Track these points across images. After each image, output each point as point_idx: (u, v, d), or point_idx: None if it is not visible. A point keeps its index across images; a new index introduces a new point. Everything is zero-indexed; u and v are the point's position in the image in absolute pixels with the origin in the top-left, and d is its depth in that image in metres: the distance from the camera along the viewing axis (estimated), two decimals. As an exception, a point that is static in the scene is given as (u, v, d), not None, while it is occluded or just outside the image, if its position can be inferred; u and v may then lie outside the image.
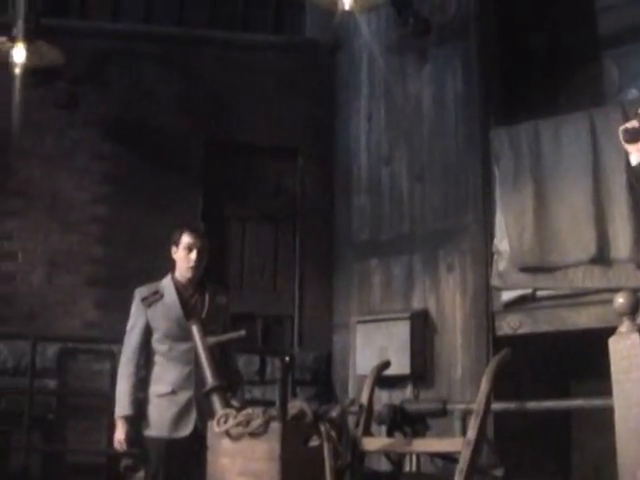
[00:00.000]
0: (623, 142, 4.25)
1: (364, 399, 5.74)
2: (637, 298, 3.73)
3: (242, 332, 5.42)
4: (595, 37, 8.75)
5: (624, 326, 3.68)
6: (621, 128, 4.23)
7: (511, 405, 6.44)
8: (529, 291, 7.23)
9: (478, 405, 5.42)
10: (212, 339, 5.22)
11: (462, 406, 6.53)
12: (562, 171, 7.23)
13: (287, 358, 5.78)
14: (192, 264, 5.44)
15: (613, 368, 3.67)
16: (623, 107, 7.07)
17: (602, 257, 6.91)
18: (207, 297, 5.44)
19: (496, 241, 7.44)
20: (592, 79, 8.65)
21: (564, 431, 7.92)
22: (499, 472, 6.13)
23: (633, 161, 4.26)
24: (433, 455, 6.19)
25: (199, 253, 5.45)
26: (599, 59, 8.70)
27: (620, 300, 3.70)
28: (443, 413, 6.15)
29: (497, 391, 6.24)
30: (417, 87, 8.37)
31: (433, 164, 8.09)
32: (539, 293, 7.22)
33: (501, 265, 7.35)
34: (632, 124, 4.21)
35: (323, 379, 8.25)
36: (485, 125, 7.81)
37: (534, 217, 7.21)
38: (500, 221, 7.44)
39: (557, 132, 7.34)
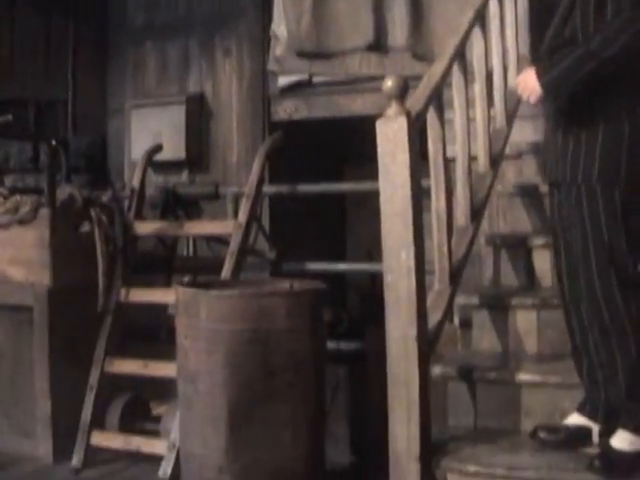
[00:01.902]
0: None
1: (135, 183, 5.73)
2: (406, 82, 3.76)
3: (8, 117, 5.26)
4: None
5: (392, 109, 3.71)
6: None
7: (283, 188, 6.55)
8: (305, 77, 7.22)
9: (249, 188, 5.51)
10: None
11: (234, 189, 6.59)
12: (343, -46, 7.15)
13: (54, 142, 5.60)
14: None
15: (380, 151, 3.72)
16: None
17: (379, 44, 6.92)
18: None
19: (274, 25, 7.31)
20: None
21: (339, 216, 8.13)
22: (272, 255, 6.30)
23: None
24: (207, 238, 6.28)
25: None
26: None
27: (389, 83, 3.72)
28: (215, 196, 6.24)
29: (273, 176, 6.36)
30: None
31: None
32: (315, 79, 7.21)
33: (278, 50, 7.27)
34: None
35: (98, 165, 8.10)
36: None
37: (313, 1, 7.13)
38: (278, 5, 7.28)
39: None
